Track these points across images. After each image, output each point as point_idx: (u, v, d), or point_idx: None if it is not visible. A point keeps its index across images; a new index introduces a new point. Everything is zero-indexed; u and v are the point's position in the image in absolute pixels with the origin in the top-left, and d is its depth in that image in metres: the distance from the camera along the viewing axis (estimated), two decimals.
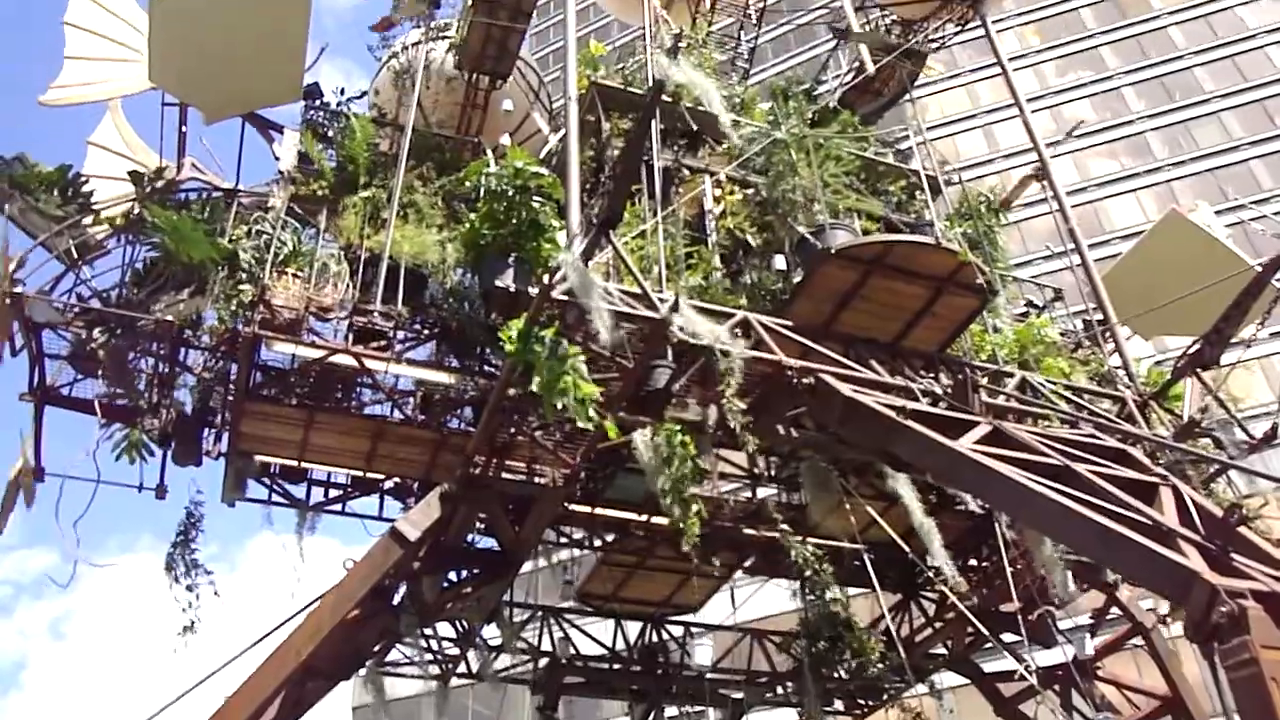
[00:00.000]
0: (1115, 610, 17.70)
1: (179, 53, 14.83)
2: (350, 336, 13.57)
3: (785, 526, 12.74)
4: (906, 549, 13.66)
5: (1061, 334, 17.97)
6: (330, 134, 16.07)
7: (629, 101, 15.27)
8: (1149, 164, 58.97)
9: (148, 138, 17.41)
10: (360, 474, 15.38)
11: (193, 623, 14.21)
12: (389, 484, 15.83)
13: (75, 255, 14.65)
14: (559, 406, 10.66)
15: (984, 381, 14.65)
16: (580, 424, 10.86)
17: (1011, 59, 59.11)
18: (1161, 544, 9.16)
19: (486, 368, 14.23)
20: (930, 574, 16.78)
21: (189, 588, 14.31)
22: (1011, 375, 15.03)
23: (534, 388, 10.74)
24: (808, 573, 12.30)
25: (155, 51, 14.72)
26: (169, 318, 13.96)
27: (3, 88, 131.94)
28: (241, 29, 14.93)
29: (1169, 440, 14.51)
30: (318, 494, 15.60)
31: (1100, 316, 17.29)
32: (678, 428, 11.97)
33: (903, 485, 12.65)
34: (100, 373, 14.28)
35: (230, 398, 14.23)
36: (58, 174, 14.72)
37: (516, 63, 18.21)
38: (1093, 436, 12.91)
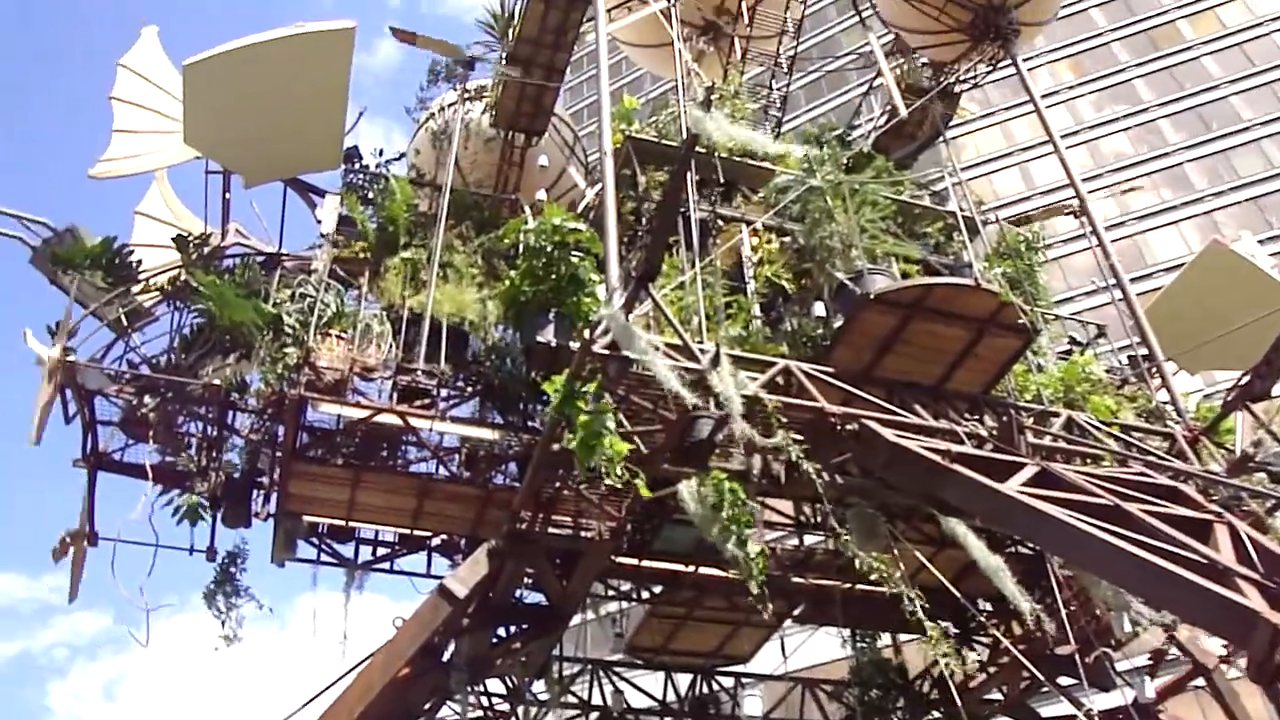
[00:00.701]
0: (1175, 651, 17.34)
1: (217, 119, 15.17)
2: (394, 396, 13.72)
3: (882, 569, 12.29)
4: (957, 593, 13.49)
5: (1107, 371, 17.78)
6: (370, 196, 16.31)
7: (664, 154, 15.39)
8: (1189, 195, 58.47)
9: (193, 206, 17.80)
10: (407, 531, 15.48)
11: (234, 634, 14.28)
12: (436, 541, 15.88)
13: (125, 323, 14.93)
14: (591, 465, 10.68)
15: (1030, 422, 14.55)
16: (608, 481, 10.86)
17: (1045, 96, 59.25)
18: (1219, 583, 8.98)
19: (530, 423, 14.30)
20: (982, 618, 16.58)
21: (230, 607, 14.37)
22: (1057, 415, 14.89)
23: (569, 445, 10.76)
24: (914, 618, 11.91)
25: (190, 115, 15.05)
26: (216, 382, 14.16)
27: (54, 158, 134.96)
28: (280, 95, 15.27)
29: (1222, 476, 14.25)
30: (366, 552, 15.70)
31: (1145, 352, 17.10)
32: (724, 476, 11.93)
33: (960, 528, 12.51)
34: (151, 438, 14.47)
35: (278, 459, 14.38)
36: (102, 247, 15.03)
37: (551, 119, 18.46)
38: (1143, 475, 12.72)
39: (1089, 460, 14.01)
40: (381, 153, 17.05)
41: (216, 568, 14.58)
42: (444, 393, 14.11)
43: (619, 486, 11.33)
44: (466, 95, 18.66)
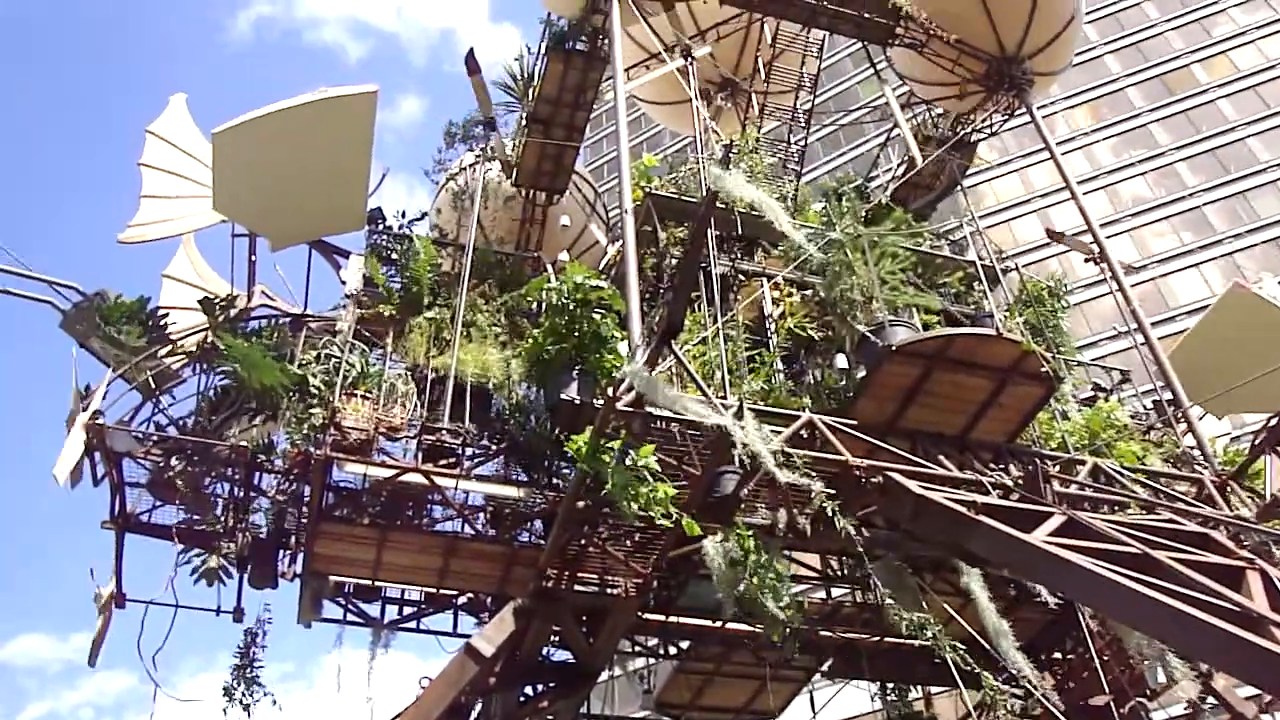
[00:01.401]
0: (1213, 700, 17.07)
1: (243, 183, 15.42)
2: (420, 455, 13.78)
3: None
4: (988, 645, 13.36)
5: (1132, 417, 17.68)
6: (394, 256, 16.48)
7: (684, 210, 15.52)
8: (1209, 237, 58.33)
9: (219, 268, 18.04)
10: (433, 590, 15.49)
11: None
12: (462, 599, 15.89)
13: (153, 385, 15.07)
14: (635, 508, 10.68)
15: (1055, 471, 14.48)
16: (659, 521, 10.87)
17: (1062, 142, 59.40)
18: (1253, 631, 8.87)
19: (555, 480, 14.32)
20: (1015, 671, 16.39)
21: (246, 707, 14.34)
22: (1083, 463, 14.80)
23: (607, 493, 10.78)
24: (947, 669, 11.79)
25: (219, 182, 15.31)
26: (243, 443, 14.27)
27: (84, 222, 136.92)
28: (305, 160, 15.51)
29: (1253, 522, 14.12)
30: (392, 611, 15.72)
31: (1170, 396, 17.02)
32: (749, 532, 11.91)
33: (975, 583, 12.43)
34: (178, 499, 14.57)
35: (304, 519, 14.43)
36: (136, 306, 15.22)
37: (572, 177, 18.66)
38: (1172, 521, 12.62)
39: (1116, 508, 13.92)
40: (404, 213, 17.25)
41: (237, 651, 14.60)
42: (469, 451, 14.16)
43: (656, 537, 11.34)
44: (489, 155, 18.87)
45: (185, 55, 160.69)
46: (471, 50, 18.20)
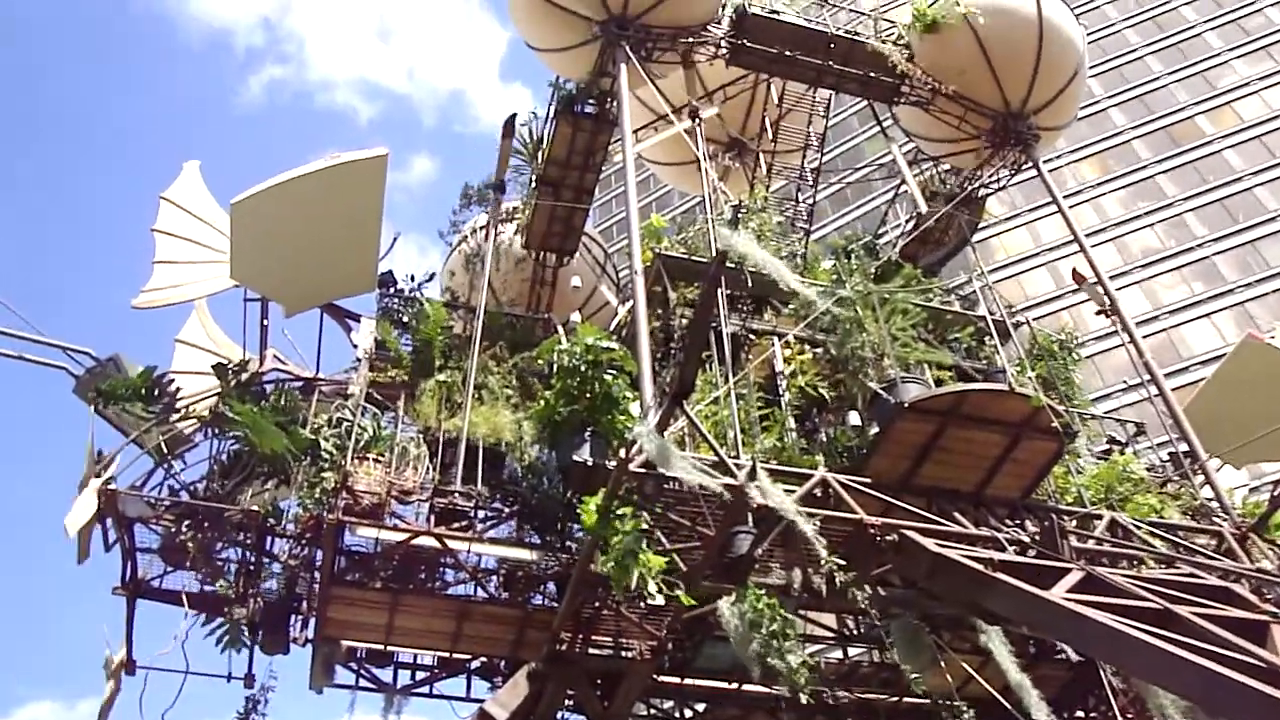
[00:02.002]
0: None
1: (259, 251, 15.57)
2: (432, 518, 13.74)
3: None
4: (1007, 705, 13.18)
5: (1148, 469, 17.55)
6: (405, 319, 16.56)
7: (693, 270, 15.58)
8: (1220, 287, 58.30)
9: (232, 332, 18.14)
10: (446, 655, 15.35)
11: None
12: (476, 664, 15.74)
13: (165, 450, 15.11)
14: (627, 584, 10.65)
15: (1072, 525, 14.34)
16: (650, 597, 10.81)
17: (1069, 195, 59.64)
18: (1277, 688, 8.75)
19: (568, 543, 14.26)
20: None
21: None
22: (1100, 517, 14.68)
23: (600, 567, 10.75)
24: None
25: (237, 251, 15.47)
26: (255, 508, 14.26)
27: (98, 286, 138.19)
28: (318, 225, 15.67)
29: (1275, 575, 13.96)
30: (404, 676, 15.57)
31: (1186, 448, 16.91)
32: (762, 593, 11.81)
33: (994, 641, 12.29)
34: (189, 564, 14.53)
35: (316, 584, 14.35)
36: (142, 378, 15.29)
37: (581, 238, 18.77)
38: (1192, 575, 12.50)
39: (1135, 562, 13.78)
40: (414, 277, 17.36)
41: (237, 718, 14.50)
42: (481, 514, 14.14)
43: (659, 603, 11.26)
44: (501, 218, 19.02)
45: (198, 118, 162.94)
46: (513, 116, 18.44)
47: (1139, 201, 64.62)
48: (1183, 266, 60.16)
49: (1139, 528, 14.50)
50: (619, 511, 10.90)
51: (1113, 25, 74.23)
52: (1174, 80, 70.03)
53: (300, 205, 15.33)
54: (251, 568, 14.74)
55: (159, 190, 18.57)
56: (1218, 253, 60.24)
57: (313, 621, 14.54)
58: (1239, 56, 69.06)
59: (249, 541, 14.73)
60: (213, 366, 16.04)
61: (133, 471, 14.70)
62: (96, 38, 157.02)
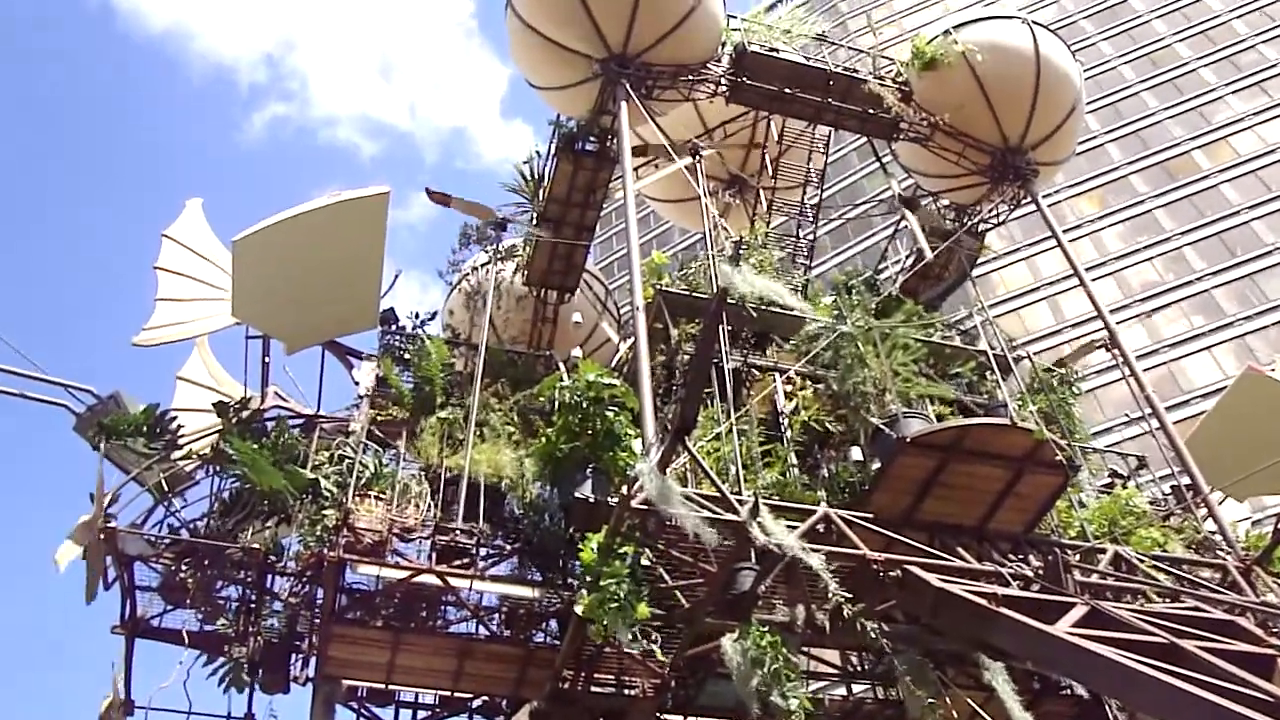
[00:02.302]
0: None
1: (261, 288, 15.61)
2: (434, 555, 13.68)
3: None
4: None
5: (1151, 503, 17.51)
6: (407, 357, 16.57)
7: (694, 307, 15.61)
8: (1220, 320, 58.38)
9: (233, 370, 18.16)
10: (448, 693, 15.26)
11: None
12: (478, 703, 15.65)
13: (165, 488, 15.08)
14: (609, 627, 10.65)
15: (1076, 560, 14.29)
16: (627, 650, 10.78)
17: (1069, 230, 59.79)
18: None
19: (569, 580, 14.19)
20: None
21: None
22: (1104, 551, 14.63)
23: (580, 611, 10.74)
24: None
25: (238, 289, 15.51)
26: (255, 545, 14.21)
27: (99, 323, 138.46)
28: (319, 263, 15.71)
29: None
30: (406, 716, 15.52)
31: (1188, 481, 16.88)
32: (765, 630, 11.75)
33: (997, 679, 12.19)
34: (189, 603, 14.47)
35: (317, 623, 14.28)
36: (145, 415, 15.29)
37: (582, 275, 18.82)
38: (1197, 609, 12.44)
39: (1140, 597, 13.72)
40: (416, 315, 17.40)
41: None
42: (483, 551, 14.06)
43: (674, 635, 11.22)
44: (500, 255, 19.08)
45: (202, 155, 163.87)
46: (427, 189, 18.69)
47: (1137, 236, 64.83)
48: (1182, 300, 60.27)
49: (1143, 561, 14.45)
50: (618, 550, 10.86)
51: (1108, 61, 74.82)
52: (1170, 116, 70.47)
53: (302, 243, 15.38)
54: (252, 606, 14.67)
55: (161, 227, 18.68)
56: (1216, 286, 60.36)
57: (314, 660, 14.47)
58: (1233, 92, 69.53)
59: (249, 579, 14.67)
60: (214, 404, 16.04)
61: (133, 509, 14.69)
62: (102, 75, 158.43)
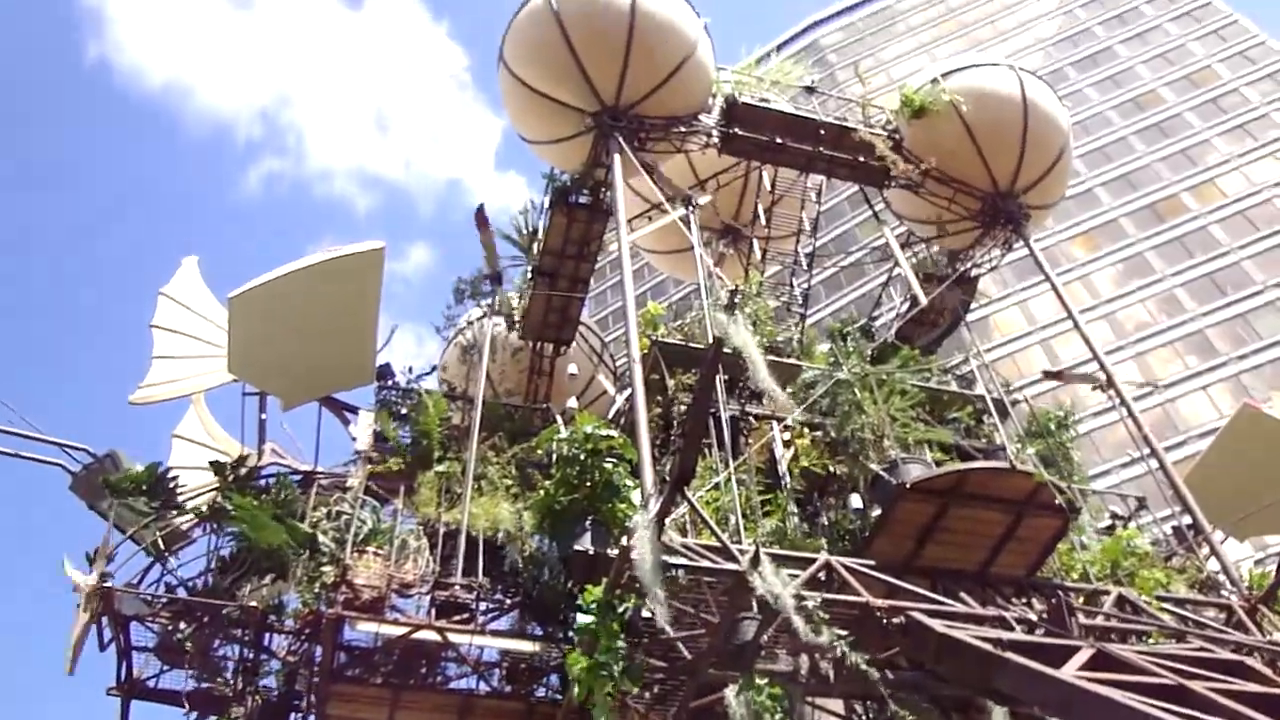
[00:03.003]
0: None
1: (257, 345, 15.66)
2: (433, 611, 13.60)
3: None
4: None
5: (1153, 543, 17.46)
6: (404, 411, 16.57)
7: (690, 357, 15.64)
8: (1214, 360, 58.60)
9: (229, 426, 18.15)
10: None
11: None
12: None
13: (162, 547, 15.01)
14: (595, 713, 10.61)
15: (1080, 602, 14.21)
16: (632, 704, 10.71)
17: (1061, 273, 59.96)
18: None
19: (570, 633, 14.08)
20: None
21: None
22: (1107, 593, 14.54)
23: (571, 675, 10.68)
24: None
25: (235, 345, 15.56)
26: (253, 603, 14.12)
27: (95, 380, 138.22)
28: (315, 319, 15.78)
29: None
30: None
31: (1189, 521, 16.84)
32: (766, 681, 11.65)
33: None
34: (186, 663, 14.36)
35: (315, 681, 14.15)
36: (146, 474, 15.26)
37: (578, 327, 18.87)
38: (1204, 650, 12.34)
39: (1145, 638, 13.63)
40: (412, 369, 17.44)
41: None
42: (482, 606, 13.98)
43: (676, 688, 11.11)
44: (495, 310, 19.14)
45: (197, 211, 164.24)
46: (482, 206, 18.70)
47: (1129, 278, 65.20)
48: (1176, 340, 60.50)
49: (1147, 603, 14.37)
50: (618, 603, 10.80)
51: (1094, 105, 75.66)
52: (1156, 158, 71.15)
53: (298, 299, 15.45)
54: (250, 665, 14.55)
55: (158, 283, 18.77)
56: (1209, 326, 60.63)
57: (312, 719, 14.32)
58: (1219, 134, 70.28)
59: (247, 638, 14.57)
60: (210, 463, 16.02)
61: (129, 568, 14.61)
62: (100, 132, 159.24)
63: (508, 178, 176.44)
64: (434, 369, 18.30)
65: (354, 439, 16.31)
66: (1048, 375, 19.92)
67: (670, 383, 15.41)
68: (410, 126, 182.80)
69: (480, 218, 18.52)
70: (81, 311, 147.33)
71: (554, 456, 13.04)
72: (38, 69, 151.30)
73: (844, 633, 11.27)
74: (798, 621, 10.96)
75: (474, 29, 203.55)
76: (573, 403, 16.88)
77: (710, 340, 14.30)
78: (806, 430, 15.18)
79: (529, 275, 19.14)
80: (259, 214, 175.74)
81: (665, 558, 11.01)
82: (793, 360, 15.99)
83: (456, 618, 13.66)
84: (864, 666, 11.07)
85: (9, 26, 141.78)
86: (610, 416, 17.00)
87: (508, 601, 14.48)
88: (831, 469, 14.93)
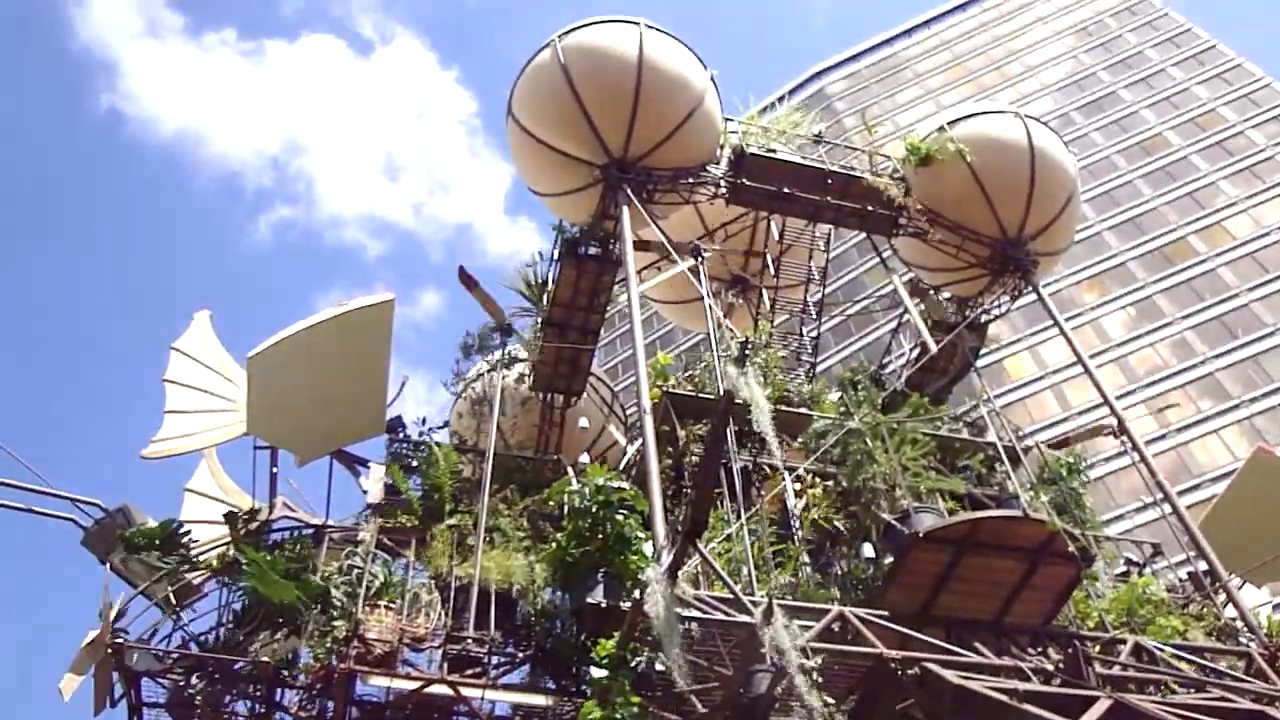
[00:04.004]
0: None
1: (273, 402, 15.72)
2: (445, 665, 13.54)
3: None
4: None
5: (1168, 590, 17.29)
6: (415, 464, 16.57)
7: (701, 407, 15.64)
8: (1226, 403, 58.36)
9: (240, 480, 18.18)
10: None
11: None
12: None
13: (174, 601, 14.97)
14: None
15: (1096, 651, 14.09)
16: None
17: (1070, 318, 59.96)
18: None
19: (583, 686, 14.00)
20: None
21: None
22: (1124, 641, 14.41)
23: None
24: None
25: (253, 404, 15.63)
26: (265, 659, 14.06)
27: (107, 434, 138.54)
28: (328, 373, 15.86)
29: None
30: None
31: (1205, 566, 16.69)
32: None
33: None
34: (198, 719, 14.27)
35: None
36: (161, 529, 15.27)
37: (588, 378, 18.90)
38: (1224, 699, 12.25)
39: (1163, 688, 13.48)
40: (425, 420, 17.46)
41: None
42: (495, 660, 13.92)
43: None
44: (505, 361, 19.18)
45: (207, 260, 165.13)
46: (461, 267, 18.76)
47: (1140, 322, 65.14)
48: (1187, 384, 60.29)
49: (1164, 651, 14.23)
50: (631, 656, 10.75)
51: (1100, 150, 75.94)
52: (1164, 202, 71.31)
53: (311, 355, 15.54)
54: None
55: (170, 335, 18.88)
56: (1221, 369, 60.45)
57: None
58: (1225, 177, 70.46)
59: (259, 694, 14.49)
60: (224, 515, 16.03)
61: (140, 624, 14.57)
62: (113, 183, 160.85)
63: (518, 223, 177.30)
64: (445, 424, 18.31)
65: (365, 492, 16.31)
66: (1055, 445, 19.80)
67: (681, 433, 15.41)
68: (420, 173, 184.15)
69: (464, 278, 18.61)
70: (93, 364, 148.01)
71: (566, 509, 13.04)
72: (51, 119, 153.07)
73: (832, 701, 11.17)
74: (800, 682, 10.89)
75: (484, 75, 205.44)
76: (584, 455, 16.88)
77: (721, 391, 14.33)
78: (818, 480, 15.13)
79: (539, 327, 19.21)
80: (270, 261, 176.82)
81: (678, 610, 10.97)
82: (803, 410, 15.96)
83: (469, 671, 13.59)
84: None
85: (22, 77, 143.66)
86: (621, 467, 16.99)
87: (520, 655, 14.41)
88: (841, 521, 14.86)
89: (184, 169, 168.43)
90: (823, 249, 23.17)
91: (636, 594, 11.22)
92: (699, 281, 17.41)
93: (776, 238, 22.67)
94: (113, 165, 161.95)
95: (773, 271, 22.69)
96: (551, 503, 14.28)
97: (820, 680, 11.02)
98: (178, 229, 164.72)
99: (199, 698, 14.24)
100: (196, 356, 18.84)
